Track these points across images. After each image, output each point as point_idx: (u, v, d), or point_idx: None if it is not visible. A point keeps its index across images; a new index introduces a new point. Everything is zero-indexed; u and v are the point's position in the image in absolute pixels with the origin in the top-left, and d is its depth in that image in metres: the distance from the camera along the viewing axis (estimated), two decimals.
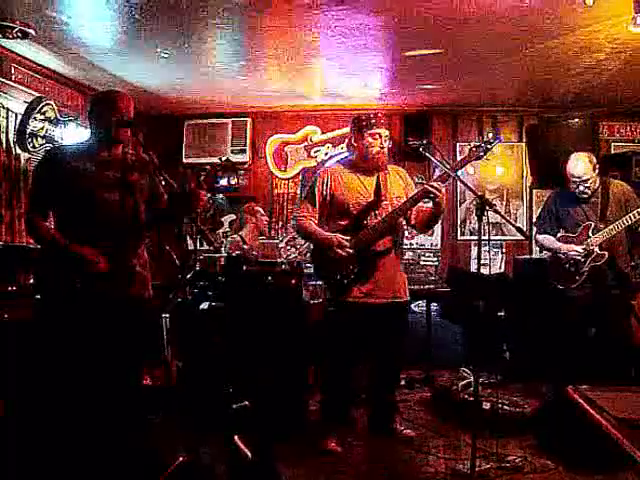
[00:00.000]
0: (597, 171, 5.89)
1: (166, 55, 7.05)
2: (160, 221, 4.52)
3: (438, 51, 7.03)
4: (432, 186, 4.86)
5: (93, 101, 4.38)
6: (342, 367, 5.28)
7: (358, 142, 5.20)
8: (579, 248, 5.84)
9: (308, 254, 7.83)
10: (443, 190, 4.89)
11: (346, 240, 5.01)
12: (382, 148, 5.12)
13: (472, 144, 4.96)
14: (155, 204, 4.36)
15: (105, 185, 4.09)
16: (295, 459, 4.89)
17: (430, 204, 5.09)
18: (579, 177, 5.84)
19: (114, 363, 4.03)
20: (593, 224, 5.84)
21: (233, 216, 9.12)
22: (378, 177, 5.20)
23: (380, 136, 5.12)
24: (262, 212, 8.00)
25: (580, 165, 5.86)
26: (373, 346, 5.37)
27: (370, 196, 5.14)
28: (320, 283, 7.33)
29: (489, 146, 4.85)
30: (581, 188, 5.85)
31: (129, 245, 4.19)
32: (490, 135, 5.05)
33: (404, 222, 5.33)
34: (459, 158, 5.17)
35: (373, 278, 5.09)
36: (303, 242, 8.57)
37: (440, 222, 9.52)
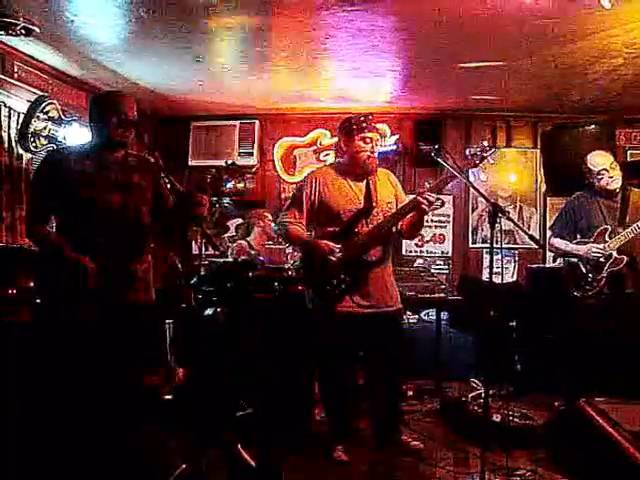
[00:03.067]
0: (618, 168, 5.92)
1: (160, 51, 7.03)
2: (165, 225, 4.50)
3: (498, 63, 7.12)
4: (424, 198, 4.82)
5: (93, 102, 4.38)
6: (335, 378, 5.28)
7: (348, 146, 5.15)
8: (600, 246, 5.83)
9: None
10: (433, 200, 4.84)
11: (336, 248, 4.97)
12: (373, 153, 5.08)
13: (468, 151, 4.94)
14: (160, 207, 4.36)
15: (106, 187, 4.09)
16: (300, 468, 4.91)
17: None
18: (602, 167, 5.86)
19: (115, 368, 4.04)
20: (610, 228, 5.83)
21: (240, 220, 9.10)
22: (368, 182, 5.15)
23: (371, 140, 5.08)
24: (270, 217, 7.99)
25: (599, 157, 5.92)
26: (368, 357, 5.35)
27: (360, 203, 5.10)
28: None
29: (485, 154, 4.83)
30: (606, 178, 5.87)
31: (131, 248, 4.20)
32: (484, 143, 5.02)
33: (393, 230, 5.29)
34: (442, 176, 5.13)
35: (364, 288, 5.05)
36: None
37: (451, 229, 9.58)
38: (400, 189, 5.36)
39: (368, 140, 5.06)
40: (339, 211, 5.08)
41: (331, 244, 4.97)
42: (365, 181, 5.16)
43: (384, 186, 5.22)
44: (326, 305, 5.12)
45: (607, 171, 5.88)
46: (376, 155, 5.11)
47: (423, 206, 4.82)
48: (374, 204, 5.08)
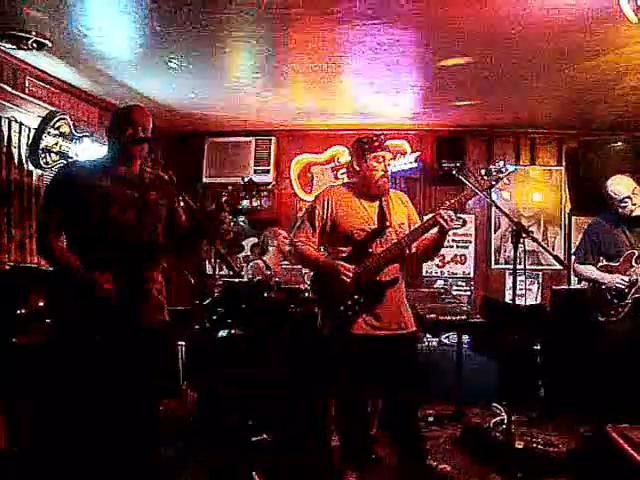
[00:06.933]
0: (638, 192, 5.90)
1: (174, 66, 7.06)
2: (178, 244, 4.52)
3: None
4: (442, 215, 4.84)
5: (112, 115, 4.44)
6: (351, 403, 5.22)
7: (360, 166, 5.14)
8: (625, 278, 5.82)
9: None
10: (453, 221, 4.86)
11: (350, 268, 4.95)
12: (385, 172, 5.09)
13: (482, 171, 4.96)
14: (173, 226, 4.37)
15: (121, 203, 4.09)
16: None
17: (435, 230, 5.02)
18: (624, 195, 5.84)
19: (128, 391, 4.04)
20: (637, 252, 5.82)
21: (254, 239, 9.10)
22: (381, 203, 5.15)
23: (384, 159, 5.08)
24: (285, 235, 7.98)
25: (621, 185, 5.89)
26: (383, 381, 5.32)
27: (374, 223, 5.08)
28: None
29: (501, 175, 4.87)
30: (630, 206, 5.84)
31: (145, 268, 4.19)
32: (501, 163, 5.02)
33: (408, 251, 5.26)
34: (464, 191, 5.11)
35: (378, 309, 5.00)
36: None
37: (473, 249, 9.59)
38: (413, 210, 5.37)
39: (381, 159, 5.06)
40: (352, 231, 5.06)
41: (346, 264, 4.95)
42: (378, 202, 5.17)
43: (397, 207, 5.22)
44: (338, 327, 5.08)
45: (630, 198, 5.86)
46: (389, 175, 5.14)
47: (442, 223, 4.82)
48: (388, 224, 5.09)
